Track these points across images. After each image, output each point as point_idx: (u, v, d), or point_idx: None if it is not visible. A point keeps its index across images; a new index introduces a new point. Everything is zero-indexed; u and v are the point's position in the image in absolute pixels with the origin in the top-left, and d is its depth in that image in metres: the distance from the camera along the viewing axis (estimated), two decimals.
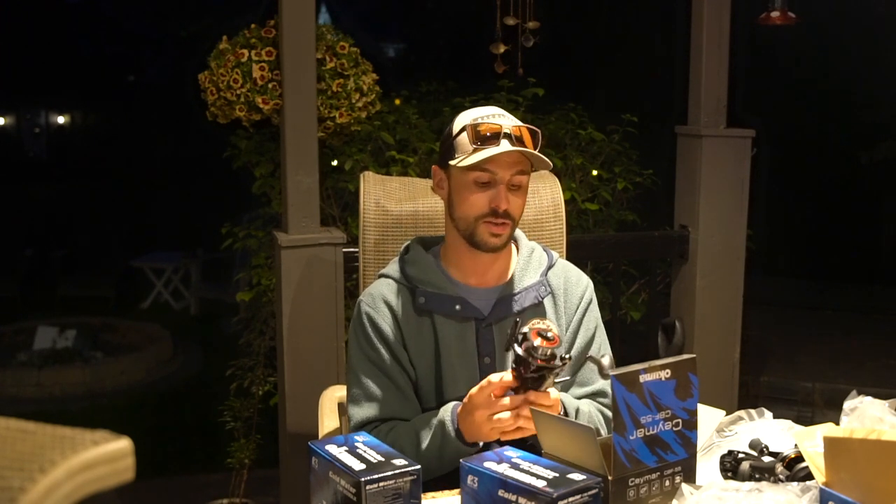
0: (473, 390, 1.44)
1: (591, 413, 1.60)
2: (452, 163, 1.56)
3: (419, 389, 1.61)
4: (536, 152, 1.54)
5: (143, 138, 13.05)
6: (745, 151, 2.96)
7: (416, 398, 1.61)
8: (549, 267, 1.68)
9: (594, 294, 1.73)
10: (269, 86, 2.35)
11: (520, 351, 1.35)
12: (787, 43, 6.09)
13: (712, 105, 2.91)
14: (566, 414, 1.49)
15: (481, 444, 1.48)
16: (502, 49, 2.69)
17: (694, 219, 2.95)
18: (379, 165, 2.97)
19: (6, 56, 12.72)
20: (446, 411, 1.51)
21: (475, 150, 1.53)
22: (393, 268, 1.66)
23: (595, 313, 1.71)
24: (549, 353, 1.34)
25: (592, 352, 1.68)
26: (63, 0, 14.33)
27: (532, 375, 1.36)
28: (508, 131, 1.53)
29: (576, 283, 1.69)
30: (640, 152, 3.43)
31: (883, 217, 7.48)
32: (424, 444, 1.50)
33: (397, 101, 3.48)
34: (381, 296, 1.62)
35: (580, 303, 1.68)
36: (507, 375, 1.39)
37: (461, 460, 1.21)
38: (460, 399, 1.54)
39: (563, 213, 1.96)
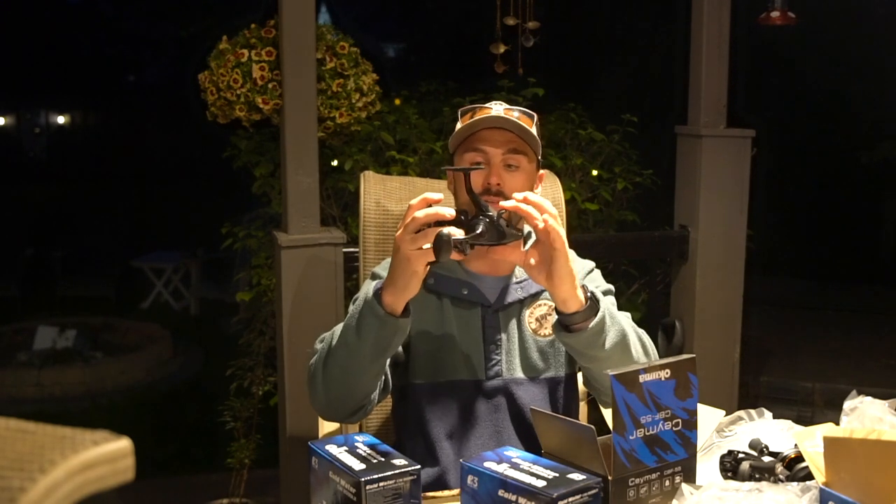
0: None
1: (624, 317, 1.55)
2: (450, 149, 1.63)
3: (412, 359, 1.61)
4: (517, 121, 1.55)
5: (143, 138, 13.05)
6: (745, 151, 2.96)
7: (407, 363, 1.62)
8: None
9: (598, 270, 1.73)
10: (269, 86, 2.35)
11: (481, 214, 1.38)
12: (787, 43, 6.09)
13: (712, 105, 2.91)
14: (595, 300, 1.44)
15: (404, 316, 1.40)
16: (502, 49, 2.69)
17: (694, 219, 2.95)
18: (379, 165, 2.97)
19: (6, 56, 12.73)
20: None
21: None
22: None
23: (599, 281, 1.70)
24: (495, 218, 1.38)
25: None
26: (63, 0, 14.34)
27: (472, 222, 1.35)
28: (500, 112, 1.56)
29: (574, 260, 1.70)
30: (640, 152, 3.43)
31: (883, 217, 7.48)
32: (348, 319, 1.46)
33: (397, 101, 3.47)
34: None
35: (579, 273, 1.68)
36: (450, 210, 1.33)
37: (461, 460, 1.21)
38: (456, 380, 1.57)
39: (564, 213, 1.96)
